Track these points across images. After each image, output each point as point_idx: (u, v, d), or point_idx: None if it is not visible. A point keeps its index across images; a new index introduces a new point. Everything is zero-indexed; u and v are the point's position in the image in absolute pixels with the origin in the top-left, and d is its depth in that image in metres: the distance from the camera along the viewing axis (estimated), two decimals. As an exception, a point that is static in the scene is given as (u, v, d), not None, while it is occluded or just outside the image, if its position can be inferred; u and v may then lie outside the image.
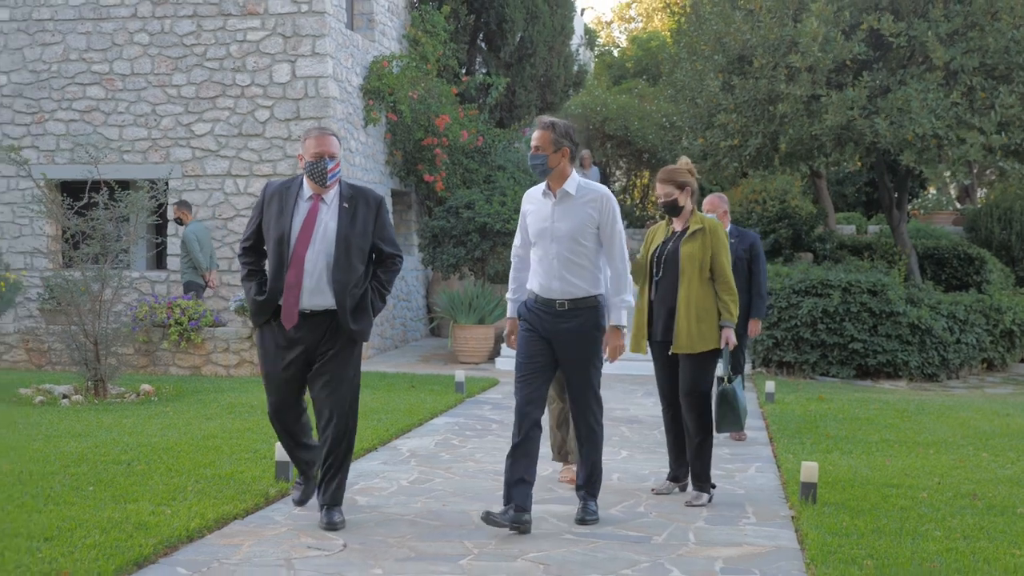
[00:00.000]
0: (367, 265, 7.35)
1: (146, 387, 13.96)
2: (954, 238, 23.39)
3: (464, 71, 24.69)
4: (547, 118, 7.55)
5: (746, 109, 19.02)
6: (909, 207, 23.45)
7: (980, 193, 29.01)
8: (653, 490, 8.63)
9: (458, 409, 13.35)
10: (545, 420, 8.04)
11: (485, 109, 23.95)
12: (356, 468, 9.50)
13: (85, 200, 14.02)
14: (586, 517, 7.48)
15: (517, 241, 7.81)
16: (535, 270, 7.53)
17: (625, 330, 7.69)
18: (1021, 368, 20.89)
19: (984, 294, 20.30)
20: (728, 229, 10.75)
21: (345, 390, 7.34)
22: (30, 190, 19.26)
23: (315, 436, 7.76)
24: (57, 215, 15.30)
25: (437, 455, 10.38)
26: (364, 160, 20.09)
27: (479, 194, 20.67)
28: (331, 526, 7.23)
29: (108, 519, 7.25)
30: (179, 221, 18.49)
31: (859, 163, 20.60)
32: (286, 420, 7.55)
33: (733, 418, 9.18)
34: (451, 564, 6.62)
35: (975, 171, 22.95)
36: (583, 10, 31.17)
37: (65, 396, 13.49)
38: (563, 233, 7.36)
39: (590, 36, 34.78)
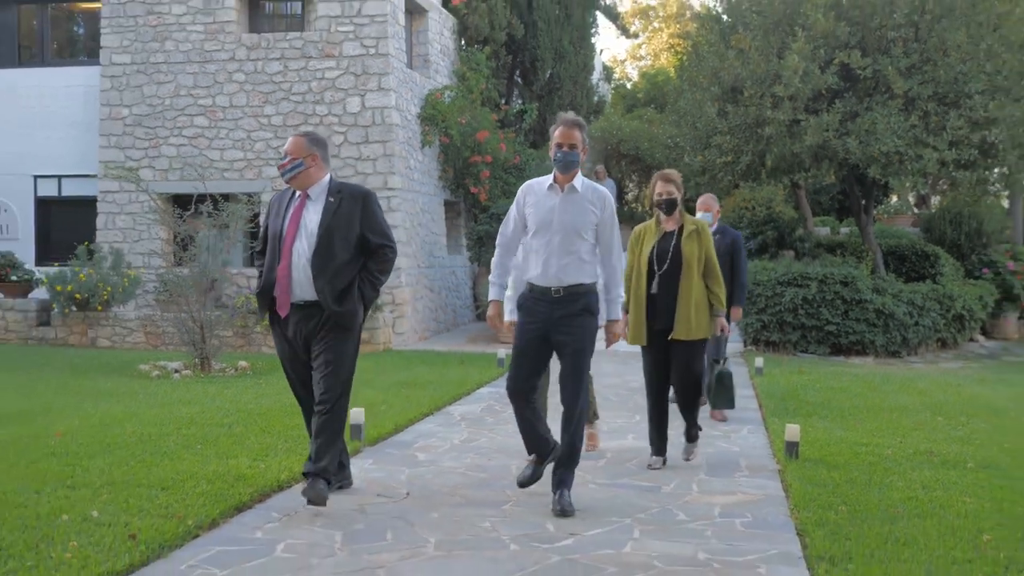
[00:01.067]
0: (354, 256, 6.55)
1: (243, 363, 14.03)
2: (912, 238, 23.25)
3: (503, 101, 24.55)
4: (574, 116, 6.65)
5: (738, 132, 18.85)
6: (874, 212, 23.33)
7: (934, 200, 28.83)
8: (649, 466, 7.95)
9: (499, 381, 13.10)
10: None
11: (521, 133, 23.79)
12: (416, 429, 9.63)
13: (193, 211, 14.10)
14: (565, 508, 6.39)
15: (508, 229, 6.80)
16: (532, 260, 6.60)
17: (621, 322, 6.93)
18: (970, 346, 20.70)
19: (938, 284, 20.11)
20: (716, 227, 10.37)
21: (336, 371, 6.49)
22: (148, 202, 19.40)
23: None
24: (169, 223, 15.38)
25: (483, 419, 10.34)
26: (421, 176, 20.06)
27: None
28: (314, 501, 6.30)
29: (213, 472, 7.30)
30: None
31: (833, 176, 20.46)
32: (307, 405, 6.80)
33: (727, 397, 8.83)
34: (496, 509, 6.61)
35: (930, 182, 22.79)
36: (601, 51, 31.03)
37: (176, 371, 13.59)
38: (566, 225, 6.45)
39: (607, 72, 34.56)
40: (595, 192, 6.59)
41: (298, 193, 6.60)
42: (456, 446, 8.87)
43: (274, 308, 6.60)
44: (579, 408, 6.52)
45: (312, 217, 6.49)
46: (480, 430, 9.64)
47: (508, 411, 10.67)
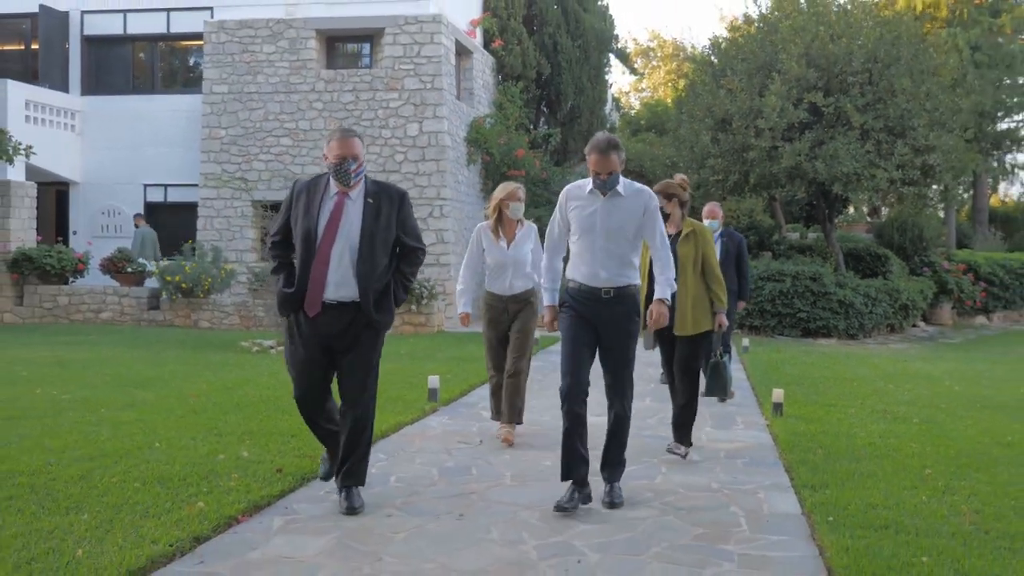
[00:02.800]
0: (391, 258, 5.45)
1: (327, 340, 14.42)
2: (867, 242, 23.66)
3: (533, 127, 24.83)
4: (608, 139, 5.53)
5: (727, 155, 19.21)
6: (836, 220, 23.61)
7: (885, 211, 29.04)
8: (668, 449, 7.04)
9: (539, 356, 13.46)
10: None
11: (547, 153, 24.11)
12: (477, 394, 9.90)
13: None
14: (614, 500, 5.60)
15: (554, 232, 5.79)
16: (578, 261, 5.63)
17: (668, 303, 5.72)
18: (913, 331, 21.06)
19: (888, 280, 20.51)
20: (721, 231, 9.74)
21: (367, 377, 5.44)
22: (241, 208, 19.96)
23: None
24: (259, 223, 15.83)
25: (530, 387, 10.36)
26: (467, 188, 20.54)
27: (547, 211, 20.72)
28: (350, 510, 5.33)
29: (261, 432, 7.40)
30: (136, 225, 19.42)
31: (803, 191, 20.81)
32: (309, 407, 5.61)
33: (720, 386, 8.15)
34: (553, 452, 6.77)
35: (881, 196, 23.15)
36: (611, 84, 31.14)
37: (271, 347, 13.86)
38: (612, 228, 5.52)
39: (616, 102, 34.69)
40: (637, 193, 5.64)
41: (332, 188, 5.36)
42: (512, 406, 9.25)
43: (299, 308, 5.38)
44: (626, 409, 5.68)
45: (353, 220, 5.30)
46: (528, 396, 9.76)
47: (548, 380, 10.88)
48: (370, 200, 5.34)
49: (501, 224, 7.55)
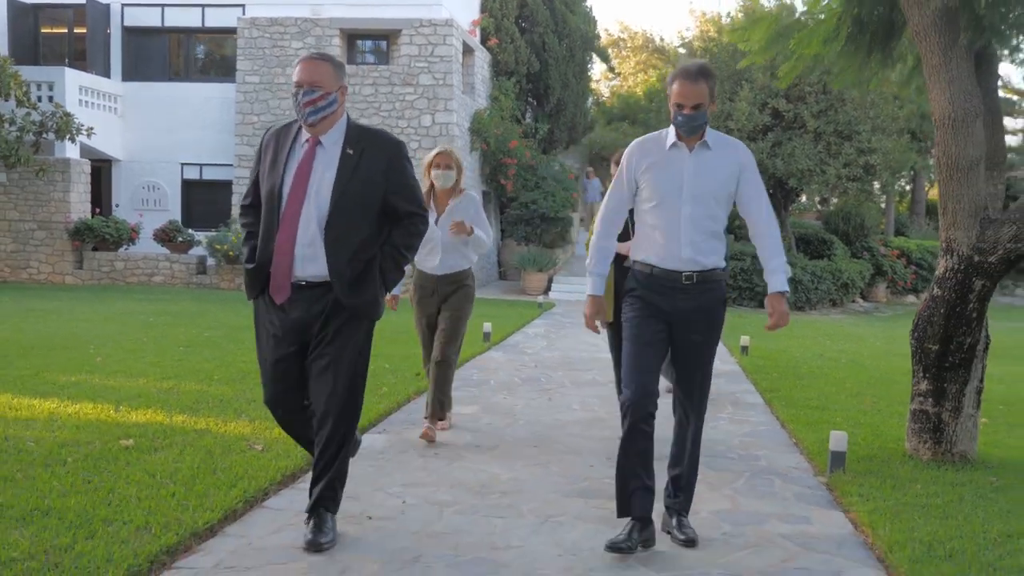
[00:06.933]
0: (378, 225, 4.24)
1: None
2: (816, 228, 25.57)
3: (523, 117, 26.57)
4: (699, 65, 4.28)
5: (699, 152, 21.77)
6: (790, 209, 25.43)
7: (833, 201, 30.94)
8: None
9: (543, 316, 16.35)
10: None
11: (535, 141, 26.08)
12: (512, 340, 12.38)
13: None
14: (689, 535, 4.43)
15: (614, 200, 4.49)
16: (651, 235, 4.36)
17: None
18: (852, 306, 23.53)
19: (832, 262, 22.84)
20: None
21: (343, 377, 4.15)
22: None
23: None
24: None
25: (548, 335, 13.40)
26: (470, 174, 22.55)
27: (538, 194, 23.09)
28: (314, 546, 4.14)
29: (415, 353, 9.61)
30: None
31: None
32: (285, 417, 4.42)
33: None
34: (591, 372, 9.83)
35: (830, 188, 25.42)
36: (594, 80, 32.86)
37: None
38: (703, 192, 4.28)
39: (593, 94, 35.97)
40: (728, 145, 4.42)
41: (305, 136, 4.22)
42: (544, 347, 11.99)
43: (265, 289, 4.25)
44: (700, 425, 4.55)
45: (325, 174, 4.15)
46: (552, 341, 12.69)
47: (565, 330, 13.76)
48: (349, 150, 4.19)
49: (433, 194, 6.52)
